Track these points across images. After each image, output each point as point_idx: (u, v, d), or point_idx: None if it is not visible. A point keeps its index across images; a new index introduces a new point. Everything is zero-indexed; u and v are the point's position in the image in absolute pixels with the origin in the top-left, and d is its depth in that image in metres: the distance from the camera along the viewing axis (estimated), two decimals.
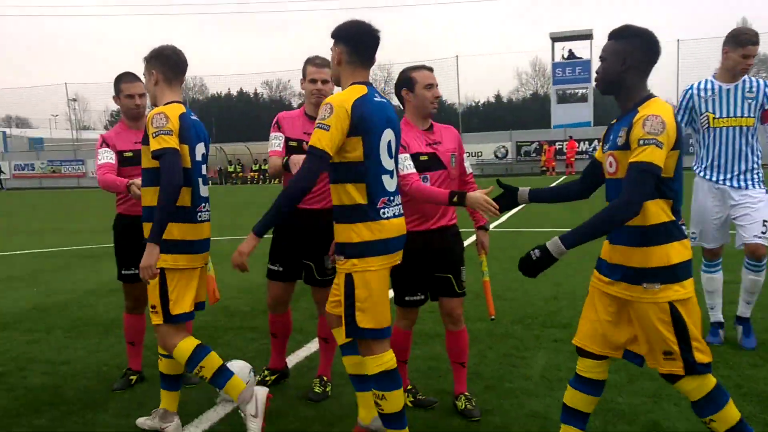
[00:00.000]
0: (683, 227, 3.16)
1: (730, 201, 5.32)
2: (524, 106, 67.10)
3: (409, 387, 4.56)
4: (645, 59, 3.17)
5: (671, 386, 4.68)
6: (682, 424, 4.09)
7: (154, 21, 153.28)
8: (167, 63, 4.02)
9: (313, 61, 4.59)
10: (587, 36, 47.01)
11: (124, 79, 4.88)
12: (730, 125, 5.23)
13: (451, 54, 75.51)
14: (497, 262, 8.89)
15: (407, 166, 4.09)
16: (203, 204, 4.02)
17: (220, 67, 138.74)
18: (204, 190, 4.06)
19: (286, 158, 4.47)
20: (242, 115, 64.08)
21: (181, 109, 3.92)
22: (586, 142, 42.17)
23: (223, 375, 3.85)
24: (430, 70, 4.28)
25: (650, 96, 3.16)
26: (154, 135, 3.74)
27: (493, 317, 4.55)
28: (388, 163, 3.52)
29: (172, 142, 3.75)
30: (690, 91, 5.43)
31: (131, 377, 5.06)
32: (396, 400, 3.46)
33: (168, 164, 3.70)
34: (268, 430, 4.02)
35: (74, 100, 61.23)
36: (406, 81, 4.25)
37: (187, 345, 3.84)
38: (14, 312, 7.55)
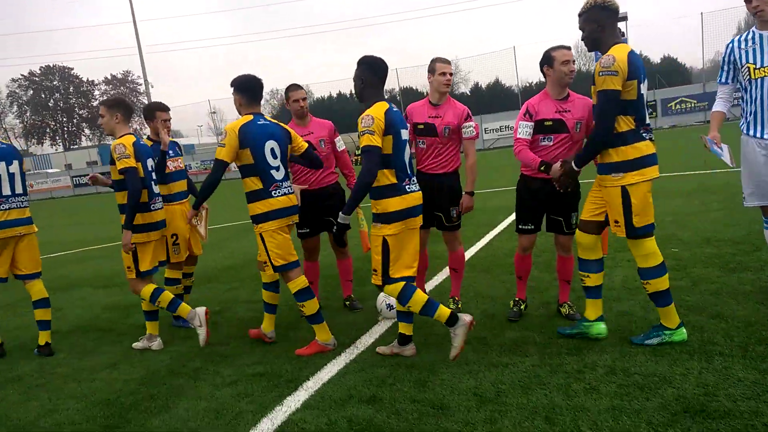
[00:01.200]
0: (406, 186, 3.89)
1: None
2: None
3: (518, 299, 4.78)
4: (373, 78, 3.95)
5: (730, 285, 4.81)
6: (740, 313, 4.19)
7: (270, 43, 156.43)
8: (126, 108, 4.86)
9: (441, 59, 4.74)
10: (623, 18, 44.82)
11: (291, 89, 5.22)
12: None
13: (509, 45, 74.12)
14: None
15: (524, 132, 4.29)
16: (155, 198, 4.93)
17: (321, 76, 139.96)
18: (156, 189, 4.99)
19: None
20: (342, 111, 64.64)
21: (133, 138, 4.77)
22: None
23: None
24: (568, 48, 4.30)
25: (377, 101, 3.90)
26: (117, 159, 4.65)
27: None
28: (273, 162, 4.32)
29: (131, 162, 4.64)
30: (731, 45, 4.35)
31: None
32: (312, 305, 4.39)
33: (131, 177, 4.63)
34: (422, 340, 4.41)
35: (214, 112, 63.17)
36: (546, 59, 4.30)
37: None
38: (214, 269, 8.23)
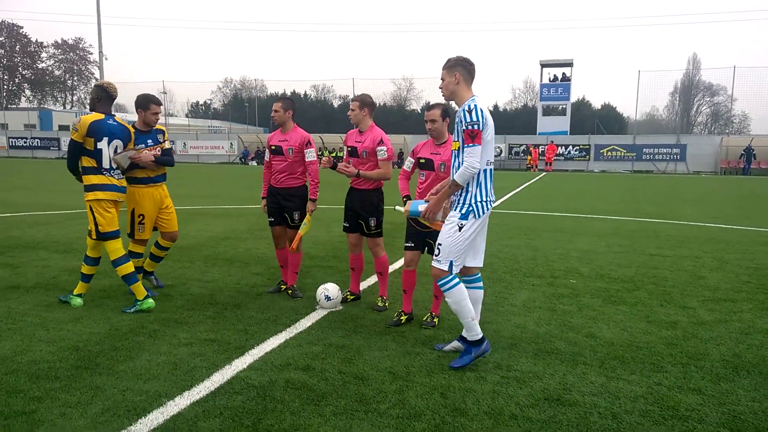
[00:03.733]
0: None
1: None
2: (515, 115, 67.55)
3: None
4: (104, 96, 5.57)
5: (607, 314, 5.75)
6: (608, 334, 5.17)
7: (229, 34, 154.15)
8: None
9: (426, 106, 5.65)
10: (569, 64, 47.41)
11: (276, 101, 6.05)
12: (456, 147, 4.39)
13: None
14: (494, 233, 9.98)
15: (406, 165, 5.52)
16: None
17: (280, 73, 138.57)
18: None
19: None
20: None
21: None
22: (563, 147, 43.11)
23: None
24: (430, 109, 5.13)
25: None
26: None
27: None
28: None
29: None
30: None
31: (282, 286, 6.34)
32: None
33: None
34: (352, 328, 5.23)
35: (165, 93, 62.29)
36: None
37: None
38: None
